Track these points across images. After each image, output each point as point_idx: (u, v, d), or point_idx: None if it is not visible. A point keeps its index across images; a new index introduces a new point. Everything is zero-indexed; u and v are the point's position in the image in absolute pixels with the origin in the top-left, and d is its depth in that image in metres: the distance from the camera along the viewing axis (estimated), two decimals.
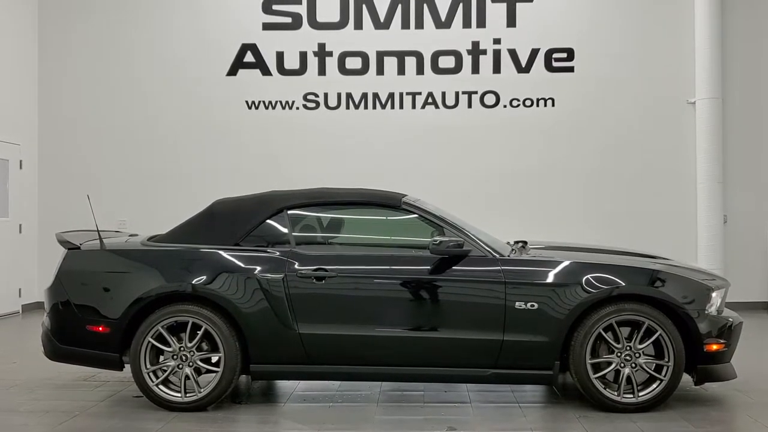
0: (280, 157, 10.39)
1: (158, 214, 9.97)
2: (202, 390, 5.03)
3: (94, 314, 5.11)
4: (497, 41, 10.37)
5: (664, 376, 4.90)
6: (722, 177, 10.00)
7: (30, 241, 10.53)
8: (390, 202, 5.37)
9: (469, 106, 10.40)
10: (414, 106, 10.42)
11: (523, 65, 10.35)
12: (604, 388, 4.93)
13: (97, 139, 10.64)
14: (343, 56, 10.45)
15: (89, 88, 10.66)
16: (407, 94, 10.43)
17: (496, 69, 10.37)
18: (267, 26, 10.53)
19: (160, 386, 5.05)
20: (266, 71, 10.51)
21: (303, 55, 10.48)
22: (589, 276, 4.95)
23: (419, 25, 10.41)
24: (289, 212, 5.33)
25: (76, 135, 10.67)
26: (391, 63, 10.42)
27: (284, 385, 5.85)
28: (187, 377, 5.04)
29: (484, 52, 10.37)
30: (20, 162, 10.32)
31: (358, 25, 10.45)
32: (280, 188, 5.93)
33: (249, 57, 10.52)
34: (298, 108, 10.50)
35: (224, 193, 6.22)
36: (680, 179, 10.25)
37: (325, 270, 5.01)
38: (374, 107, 10.45)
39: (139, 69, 10.61)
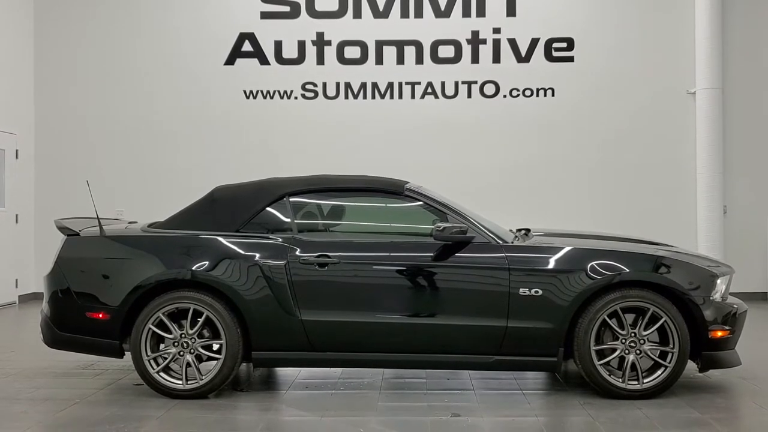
0: (277, 147, 10.33)
1: (156, 203, 9.90)
2: (203, 377, 4.98)
3: (94, 301, 5.06)
4: (497, 30, 10.32)
5: (669, 363, 4.87)
6: (722, 167, 9.99)
7: (27, 231, 10.46)
8: (393, 189, 5.32)
9: (469, 96, 10.36)
10: (413, 96, 10.37)
11: (523, 55, 10.31)
12: (609, 375, 4.90)
13: (93, 129, 10.56)
14: (341, 45, 10.39)
15: (86, 78, 10.58)
16: (406, 83, 10.38)
17: (496, 59, 10.33)
18: (265, 15, 10.46)
19: (161, 373, 5.00)
20: (264, 60, 10.44)
21: (301, 44, 10.42)
22: (593, 262, 4.91)
23: (418, 14, 10.35)
24: (290, 199, 5.28)
25: (73, 125, 10.59)
26: (390, 52, 10.37)
27: (286, 373, 5.81)
28: (188, 364, 4.99)
29: (484, 41, 10.33)
30: (16, 152, 10.24)
31: (357, 14, 10.39)
32: (278, 176, 5.87)
33: (247, 46, 10.46)
34: (296, 97, 10.44)
35: (221, 182, 6.15)
36: (680, 170, 10.23)
37: (328, 256, 4.97)
38: (373, 97, 10.40)
39: (136, 58, 10.54)
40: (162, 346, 5.08)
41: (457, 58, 10.34)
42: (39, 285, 10.21)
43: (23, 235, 10.39)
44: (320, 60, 10.41)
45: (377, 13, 10.37)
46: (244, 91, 10.45)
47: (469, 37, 10.33)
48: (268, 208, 5.24)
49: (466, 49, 10.34)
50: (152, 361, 5.00)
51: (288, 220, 5.22)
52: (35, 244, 10.52)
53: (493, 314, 4.90)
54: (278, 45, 10.44)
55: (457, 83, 10.35)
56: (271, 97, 10.45)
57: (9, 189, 10.09)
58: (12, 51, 10.23)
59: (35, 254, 10.48)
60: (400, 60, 10.37)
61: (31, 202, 10.58)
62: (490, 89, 10.34)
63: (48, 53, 10.63)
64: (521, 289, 4.89)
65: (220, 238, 5.11)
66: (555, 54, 10.31)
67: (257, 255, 5.00)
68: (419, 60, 10.36)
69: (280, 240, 5.07)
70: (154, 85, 10.51)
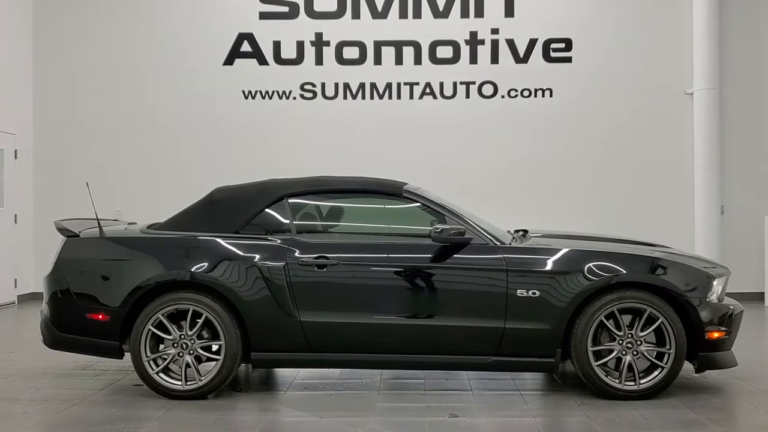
0: (276, 147, 10.35)
1: (155, 203, 9.95)
2: (202, 378, 5.01)
3: (94, 302, 5.08)
4: (495, 31, 10.35)
5: (666, 364, 4.90)
6: (719, 168, 10.02)
7: (26, 231, 10.48)
8: (391, 190, 5.35)
9: (467, 96, 10.38)
10: (412, 97, 10.40)
11: (521, 55, 10.33)
12: (606, 376, 4.94)
13: (92, 129, 10.58)
14: (340, 46, 10.41)
15: (85, 78, 10.59)
16: (405, 84, 10.40)
17: (494, 59, 10.35)
18: (263, 15, 10.48)
19: (161, 374, 5.02)
20: (263, 61, 10.46)
21: (300, 45, 10.44)
22: (590, 264, 4.94)
23: (417, 14, 10.37)
24: (289, 200, 5.31)
25: (72, 124, 10.61)
26: (388, 53, 10.39)
27: (284, 374, 5.83)
28: (187, 365, 5.01)
29: (482, 42, 10.35)
30: (15, 152, 10.25)
31: (356, 15, 10.41)
32: (277, 177, 5.90)
33: (245, 46, 10.48)
34: (295, 98, 10.46)
35: (220, 183, 6.17)
36: (678, 170, 10.27)
37: (327, 258, 5.00)
38: (372, 97, 10.43)
39: (135, 58, 10.55)
40: (161, 346, 5.10)
41: (455, 59, 10.36)
42: (38, 285, 10.26)
43: (22, 235, 10.40)
44: (319, 60, 10.43)
45: (376, 14, 10.39)
46: (243, 92, 10.46)
47: (468, 37, 10.36)
48: (267, 210, 5.27)
49: (465, 50, 10.36)
50: (152, 362, 5.03)
51: (287, 221, 5.24)
52: (34, 244, 10.53)
53: (490, 315, 4.93)
54: (277, 45, 10.46)
55: (455, 84, 10.37)
56: (270, 98, 10.47)
57: (8, 189, 10.10)
58: (11, 50, 10.24)
59: (34, 254, 10.50)
60: (399, 60, 10.39)
61: (30, 202, 10.59)
62: (488, 90, 10.36)
63: (47, 53, 10.64)
64: (519, 291, 4.92)
65: (219, 240, 5.14)
66: (553, 54, 10.34)
67: (256, 256, 5.03)
68: (418, 60, 10.38)
69: (279, 241, 5.10)
70: (153, 85, 10.53)
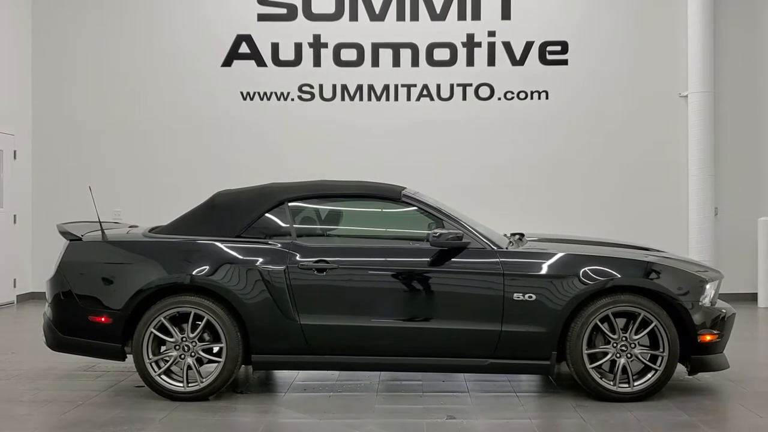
0: (274, 149, 10.41)
1: (153, 204, 10.02)
2: (204, 380, 5.08)
3: (97, 305, 5.15)
4: (492, 34, 10.42)
5: (659, 366, 4.99)
6: (713, 170, 10.11)
7: (24, 231, 10.52)
8: (390, 195, 5.43)
9: (464, 98, 10.45)
10: (409, 98, 10.46)
11: (518, 58, 10.41)
12: (600, 378, 5.02)
13: (91, 130, 10.61)
14: (338, 48, 10.47)
15: (84, 79, 10.63)
16: (402, 86, 10.46)
17: (491, 62, 10.42)
18: (262, 17, 10.53)
19: (163, 376, 5.10)
20: (261, 62, 10.52)
21: (298, 47, 10.50)
22: (585, 268, 5.03)
23: (414, 17, 10.44)
24: (289, 204, 5.38)
25: (71, 125, 10.64)
26: (386, 55, 10.46)
27: (284, 375, 5.91)
28: (189, 367, 5.08)
29: (479, 44, 10.42)
30: (14, 152, 10.29)
31: (354, 17, 10.46)
32: (275, 180, 5.99)
33: (244, 48, 10.52)
34: (293, 99, 10.52)
35: (219, 183, 6.24)
36: (672, 172, 10.36)
37: (327, 262, 5.07)
38: (369, 99, 10.49)
39: (134, 59, 10.59)
40: (163, 349, 5.17)
41: (452, 61, 10.43)
42: (37, 285, 10.32)
43: (21, 235, 10.44)
44: (317, 62, 10.49)
45: (373, 16, 10.44)
46: (241, 93, 10.52)
47: (464, 39, 10.43)
48: (267, 214, 5.34)
49: (461, 52, 10.43)
50: (154, 364, 5.09)
51: (287, 225, 5.32)
52: (33, 244, 10.57)
53: (487, 318, 5.01)
54: (275, 47, 10.51)
55: (452, 86, 10.44)
56: (268, 99, 10.52)
57: (7, 189, 10.14)
58: (10, 51, 10.27)
59: (33, 254, 10.54)
60: (396, 62, 10.45)
61: (29, 202, 10.63)
62: (484, 92, 10.44)
63: (45, 54, 10.67)
64: (515, 294, 5.00)
65: (219, 244, 5.21)
66: (549, 57, 10.41)
67: (257, 260, 5.10)
68: (415, 62, 10.44)
69: (280, 245, 5.17)
70: (151, 86, 10.57)
